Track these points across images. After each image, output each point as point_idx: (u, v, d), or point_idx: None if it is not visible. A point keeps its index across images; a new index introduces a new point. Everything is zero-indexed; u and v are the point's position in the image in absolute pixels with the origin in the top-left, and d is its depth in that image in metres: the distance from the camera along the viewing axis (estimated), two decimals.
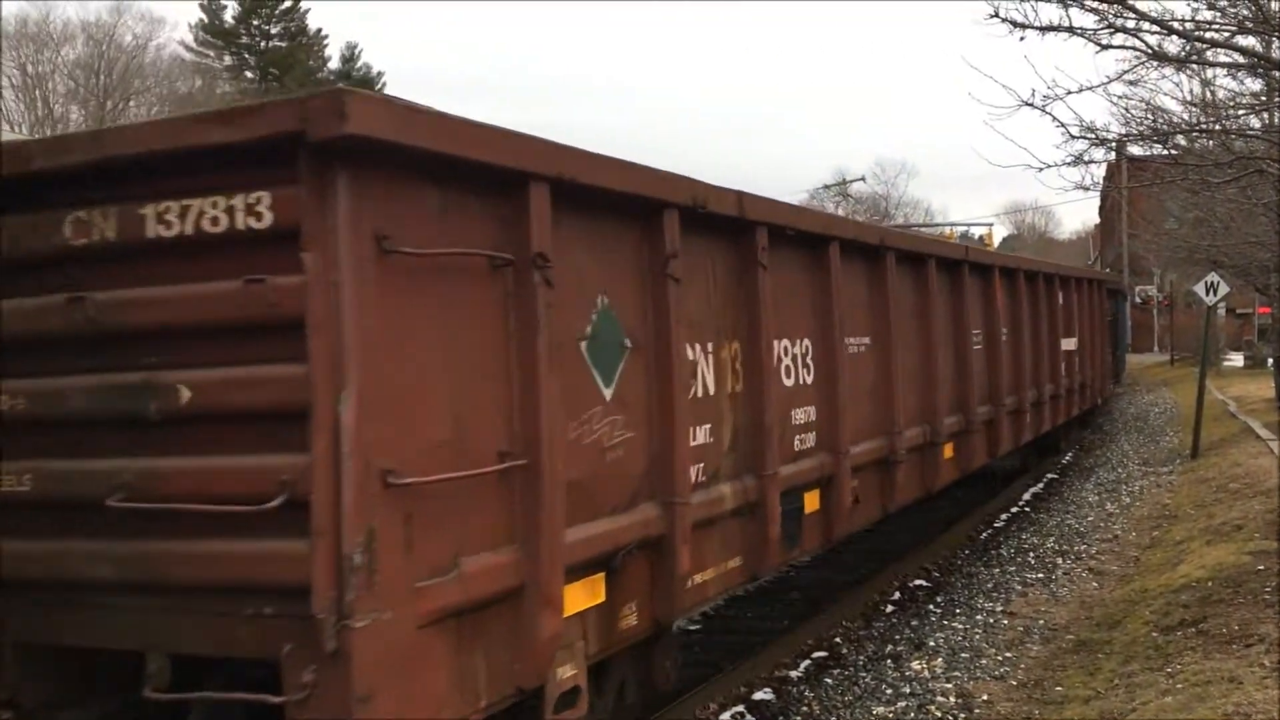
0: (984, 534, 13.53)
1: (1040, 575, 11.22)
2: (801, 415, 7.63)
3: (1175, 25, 8.70)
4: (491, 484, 4.66)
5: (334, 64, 68.33)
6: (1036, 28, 8.49)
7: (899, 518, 10.57)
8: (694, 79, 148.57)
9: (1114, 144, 11.19)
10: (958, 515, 13.79)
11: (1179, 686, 6.94)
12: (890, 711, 7.45)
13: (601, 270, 5.44)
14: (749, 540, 6.82)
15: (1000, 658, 8.57)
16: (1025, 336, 13.68)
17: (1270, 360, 30.65)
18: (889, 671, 8.30)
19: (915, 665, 8.39)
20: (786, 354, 7.40)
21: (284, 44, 66.56)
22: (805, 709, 7.59)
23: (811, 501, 7.68)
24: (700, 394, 6.31)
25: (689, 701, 7.50)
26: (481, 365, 4.63)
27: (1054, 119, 9.67)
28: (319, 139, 3.84)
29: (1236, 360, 42.03)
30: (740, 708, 7.54)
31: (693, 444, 6.13)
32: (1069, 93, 9.27)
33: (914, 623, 9.62)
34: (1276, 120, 11.24)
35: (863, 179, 78.09)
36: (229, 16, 65.82)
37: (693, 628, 9.70)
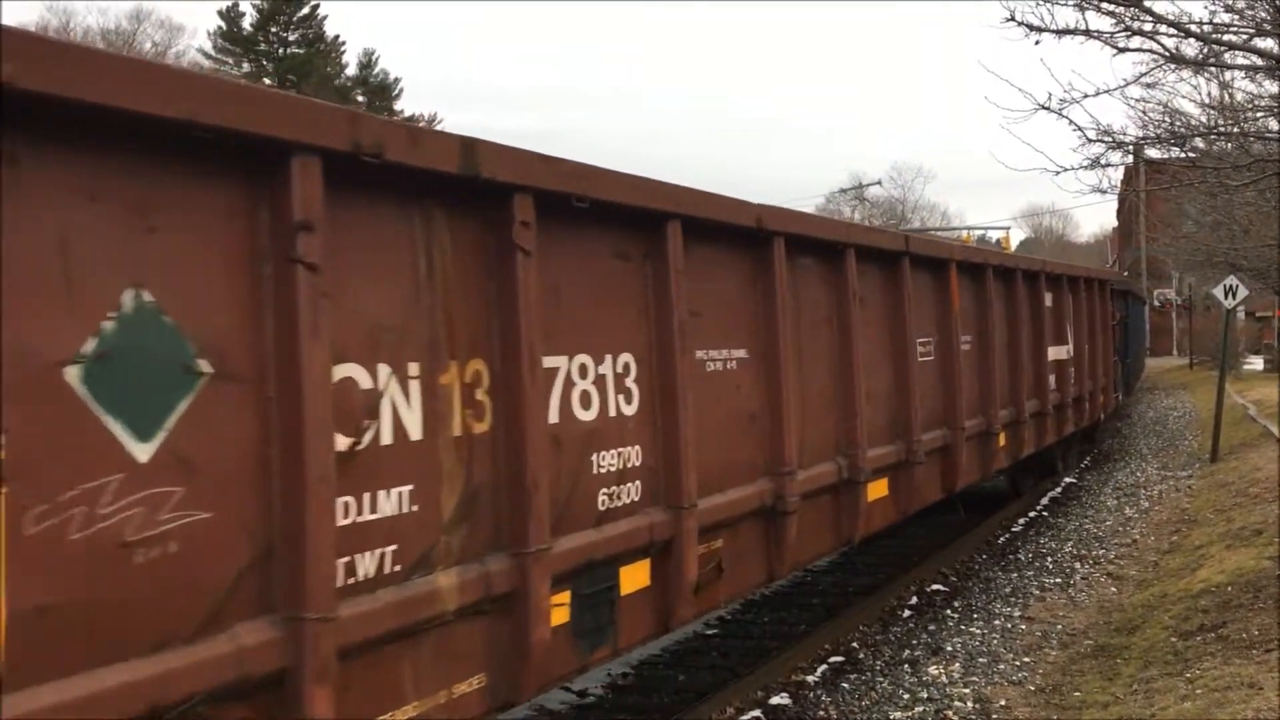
0: (1001, 539, 13.48)
1: (1058, 580, 11.18)
2: (614, 460, 5.55)
3: (1193, 28, 8.68)
4: None
5: (351, 70, 68.63)
6: (1053, 31, 8.48)
7: (914, 520, 10.54)
8: (708, 84, 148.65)
9: (1131, 147, 11.16)
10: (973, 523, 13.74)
11: (1198, 692, 6.91)
12: (907, 716, 7.44)
13: (135, 248, 3.38)
14: (497, 650, 4.71)
15: (1018, 663, 8.54)
16: (997, 344, 11.69)
17: None
18: (906, 676, 8.28)
19: (932, 670, 8.37)
20: (585, 375, 5.37)
21: (302, 50, 66.87)
22: (822, 714, 7.59)
23: (635, 578, 5.69)
24: (385, 440, 4.22)
25: (705, 706, 7.50)
26: None
27: (1071, 122, 9.66)
28: None
29: (1256, 364, 41.78)
30: (756, 712, 7.54)
31: (357, 519, 4.07)
32: (1086, 96, 9.26)
33: (931, 627, 9.60)
34: None
35: (879, 183, 78.05)
36: (247, 24, 66.19)
37: (709, 632, 9.70)
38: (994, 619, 9.80)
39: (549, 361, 5.07)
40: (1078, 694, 7.71)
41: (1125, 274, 45.59)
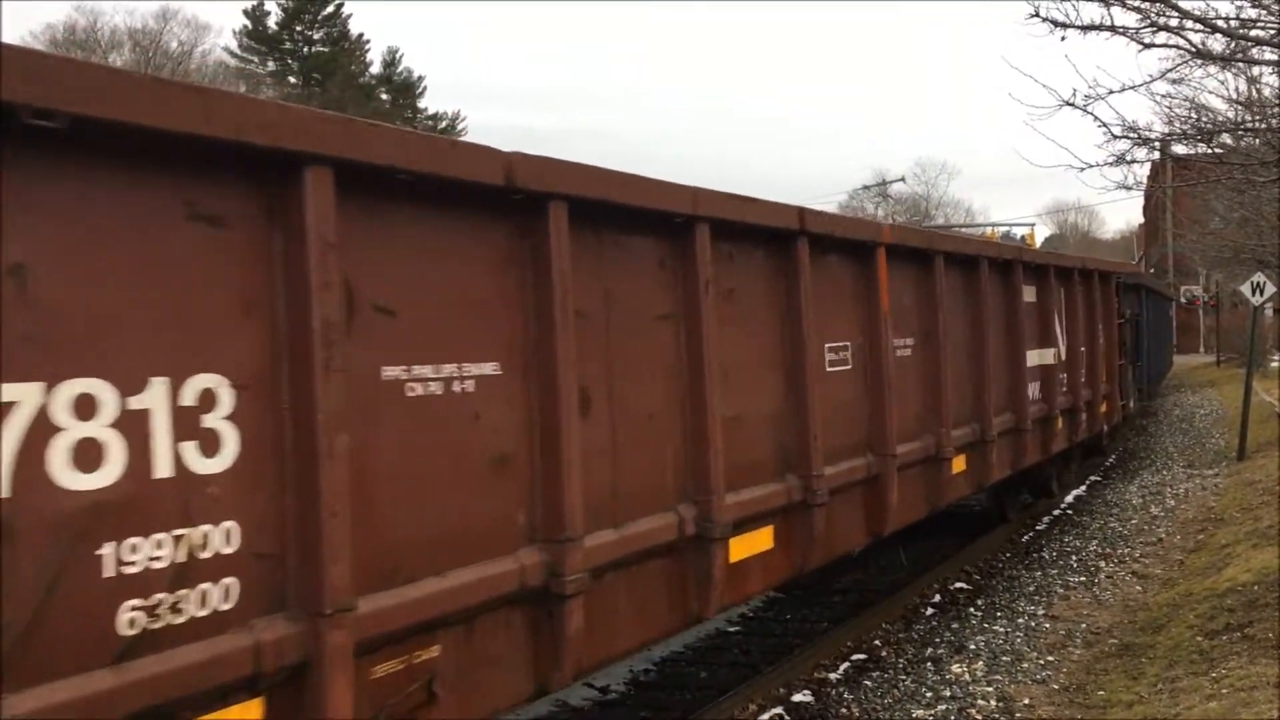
0: (1025, 537, 13.43)
1: (1083, 578, 11.13)
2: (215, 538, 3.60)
3: (1219, 23, 8.62)
4: None
5: (376, 69, 68.89)
6: (1078, 27, 8.44)
7: (936, 519, 10.51)
8: (715, 84, 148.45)
9: (1157, 143, 11.10)
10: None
11: (1223, 691, 6.87)
12: (930, 715, 7.43)
13: None
14: None
15: (1042, 661, 8.51)
16: (951, 349, 9.47)
17: None
18: (929, 674, 8.27)
19: (955, 668, 8.35)
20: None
21: (326, 49, 67.18)
22: (844, 711, 7.58)
23: None
24: None
25: (727, 703, 7.52)
26: None
27: (1096, 119, 9.61)
28: None
29: None
30: (779, 709, 7.55)
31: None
32: (1111, 92, 9.22)
33: (954, 625, 9.58)
34: None
35: (902, 180, 77.73)
36: (272, 22, 66.54)
37: (731, 629, 9.71)
38: (1018, 617, 9.76)
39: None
40: (1102, 693, 7.68)
41: (1151, 269, 45.18)
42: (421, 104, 68.75)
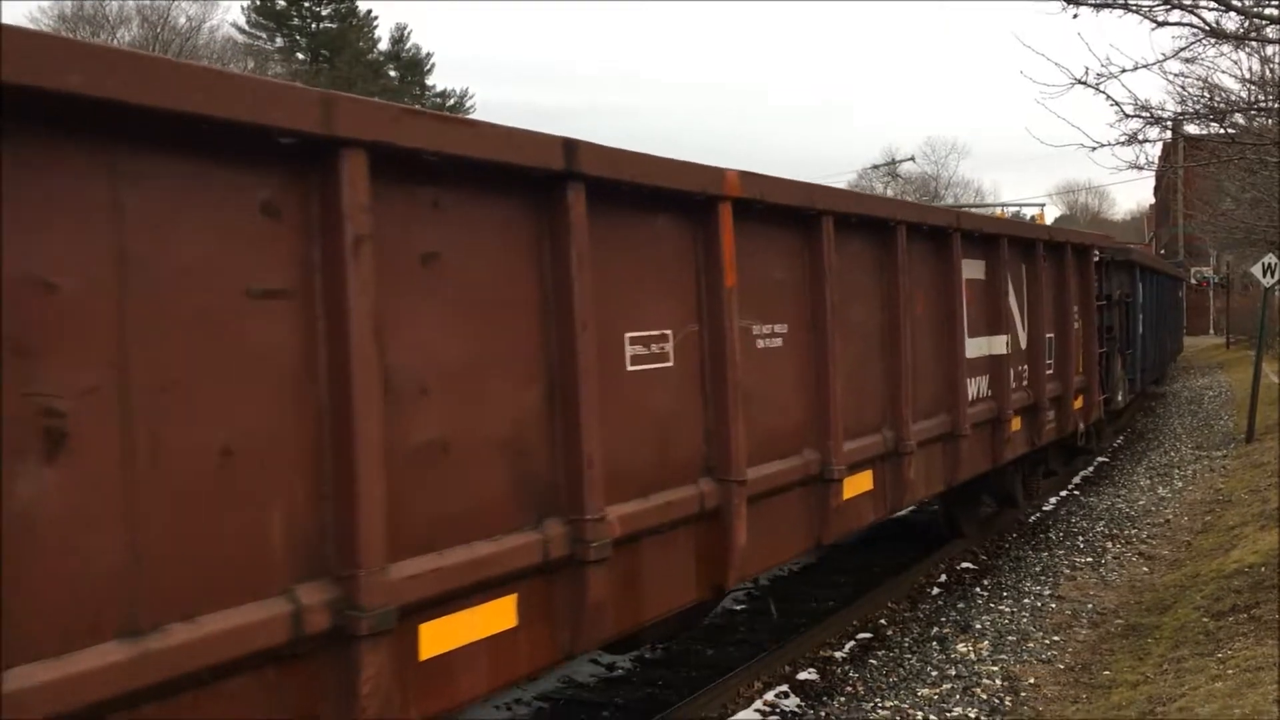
0: (1033, 517, 13.43)
1: (1089, 559, 11.13)
2: None
3: (1233, 1, 8.55)
4: None
5: (384, 45, 68.72)
6: (1090, 4, 8.40)
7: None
8: (743, 62, 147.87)
9: (1169, 123, 11.03)
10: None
11: (1229, 672, 6.87)
12: (935, 693, 7.44)
13: None
14: None
15: (1047, 641, 8.52)
16: (843, 338, 7.26)
17: None
18: (934, 653, 8.28)
19: (961, 648, 8.37)
20: None
21: (334, 25, 67.00)
22: (849, 689, 7.60)
23: None
24: None
25: (733, 680, 7.54)
26: None
27: (1108, 97, 9.60)
28: None
29: None
30: (784, 687, 7.57)
31: None
32: (1123, 71, 9.20)
33: (960, 605, 9.59)
34: None
35: (912, 159, 77.49)
36: None
37: (737, 607, 9.73)
38: (1024, 597, 9.77)
39: None
40: (1107, 673, 7.69)
41: (1162, 251, 44.97)
42: (430, 81, 68.60)
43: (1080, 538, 12.14)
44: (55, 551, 3.12)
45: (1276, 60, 11.81)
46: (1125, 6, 8.42)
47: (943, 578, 10.52)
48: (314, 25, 66.95)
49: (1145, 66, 9.34)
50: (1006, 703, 7.27)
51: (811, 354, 7.02)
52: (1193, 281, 52.72)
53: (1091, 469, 17.01)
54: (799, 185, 6.98)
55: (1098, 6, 8.38)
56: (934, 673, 7.86)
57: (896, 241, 8.05)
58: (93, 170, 3.25)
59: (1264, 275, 19.52)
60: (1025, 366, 10.94)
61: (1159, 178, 46.56)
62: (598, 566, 4.94)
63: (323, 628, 3.76)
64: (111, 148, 3.28)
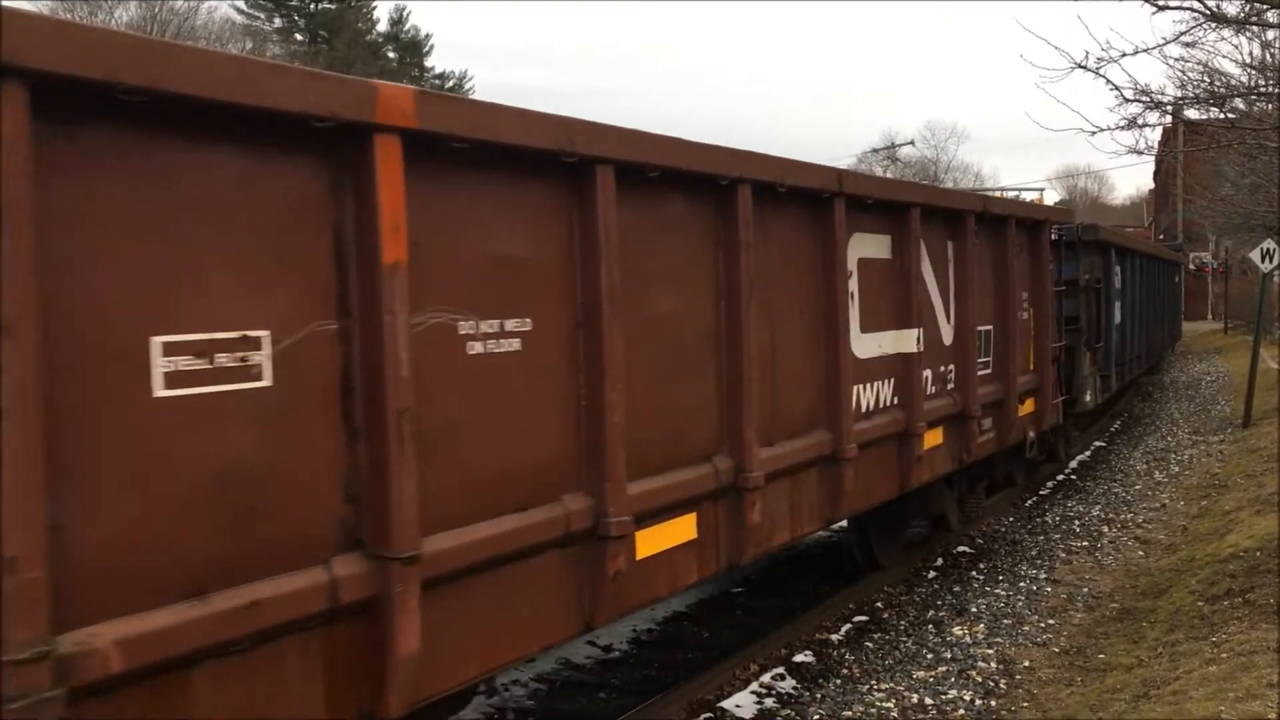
0: (1029, 501, 13.46)
1: (1085, 543, 11.16)
2: None
3: None
4: None
5: (382, 26, 68.45)
6: None
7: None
8: (744, 46, 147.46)
9: (1169, 107, 11.01)
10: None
11: (1223, 656, 6.91)
12: (930, 675, 7.48)
13: None
14: None
15: (1043, 624, 8.56)
16: (620, 334, 5.24)
17: None
18: (930, 636, 8.32)
19: (957, 631, 8.40)
20: None
21: (333, 6, 66.69)
22: (845, 671, 7.64)
23: None
24: None
25: (730, 663, 7.57)
26: None
27: (1108, 81, 9.56)
28: None
29: None
30: (780, 669, 7.60)
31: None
32: (1124, 55, 9.17)
33: (956, 589, 9.62)
34: None
35: (911, 143, 77.33)
36: None
37: (735, 589, 9.76)
38: (1020, 581, 9.81)
39: None
40: (1102, 656, 7.72)
41: (1161, 235, 44.93)
42: (429, 63, 68.36)
43: (1076, 522, 12.17)
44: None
45: (1277, 45, 11.80)
46: None
47: (939, 561, 10.55)
48: (312, 6, 66.63)
49: (1145, 51, 9.32)
50: (1001, 685, 7.31)
51: (577, 361, 5.07)
52: (1191, 267, 52.71)
53: (1089, 453, 17.03)
54: (543, 118, 4.73)
55: None
56: (929, 655, 7.89)
57: (737, 208, 6.01)
58: None
59: (1262, 260, 19.52)
60: (950, 367, 9.06)
61: (1158, 162, 46.52)
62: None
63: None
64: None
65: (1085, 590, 9.49)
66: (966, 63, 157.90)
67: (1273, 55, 11.96)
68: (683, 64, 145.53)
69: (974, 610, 8.93)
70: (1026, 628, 8.47)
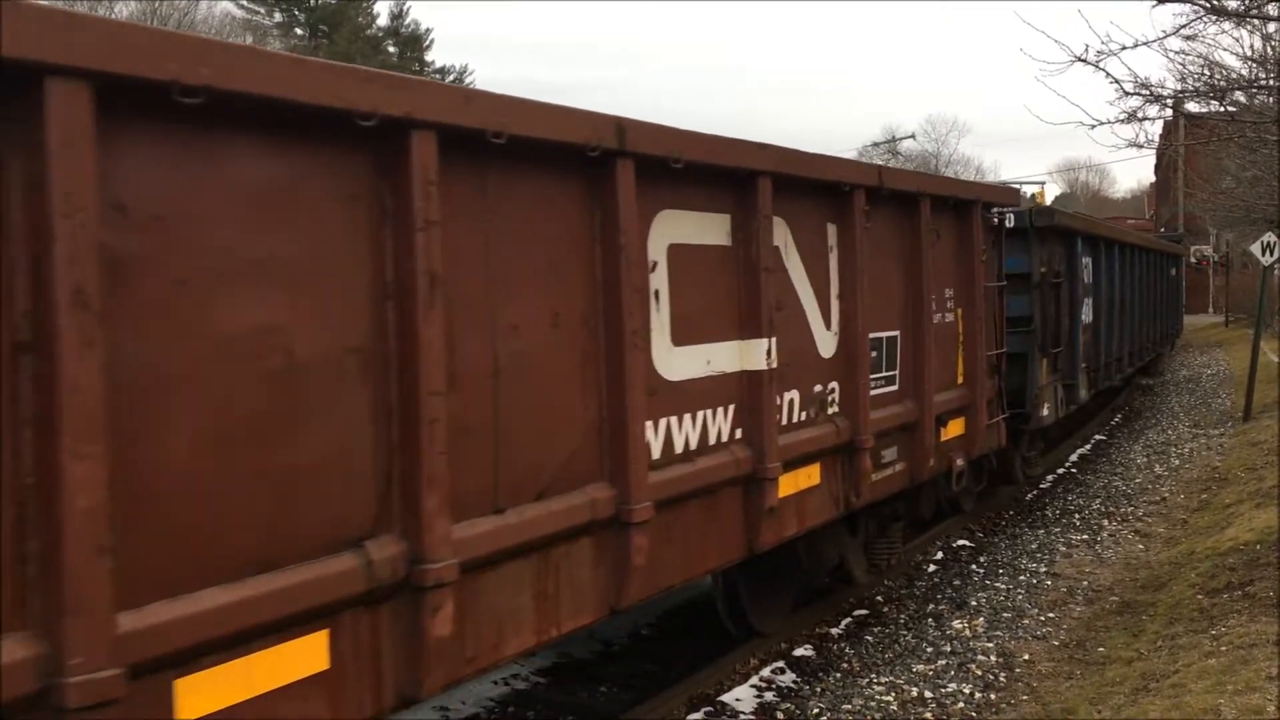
0: (1029, 495, 13.47)
1: (1085, 537, 11.17)
2: None
3: None
4: None
5: (383, 20, 68.39)
6: None
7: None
8: (744, 38, 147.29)
9: (1169, 101, 10.99)
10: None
11: (1223, 649, 6.92)
12: (930, 669, 7.49)
13: None
14: None
15: (1043, 618, 8.56)
16: (234, 367, 3.62)
17: None
18: (930, 630, 8.33)
19: (957, 624, 8.41)
20: None
21: (333, 1, 66.60)
22: (845, 665, 7.65)
23: None
24: None
25: (730, 657, 7.58)
26: None
27: (1107, 75, 9.54)
28: None
29: None
30: (780, 663, 7.61)
31: None
32: (1123, 48, 9.15)
33: (956, 582, 9.63)
34: None
35: (912, 136, 77.27)
36: None
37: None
38: (1019, 575, 9.81)
39: None
40: (1102, 649, 7.73)
41: (1162, 229, 44.88)
42: (429, 57, 68.30)
43: (1077, 515, 12.18)
44: None
45: (1277, 38, 11.77)
46: None
47: (939, 555, 10.56)
48: (313, 0, 66.58)
49: (1146, 44, 9.31)
50: (1001, 679, 7.32)
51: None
52: (1192, 260, 52.68)
53: (1089, 447, 17.04)
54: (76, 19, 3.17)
55: None
56: (929, 649, 7.90)
57: (412, 174, 4.09)
58: None
59: (1263, 254, 19.50)
60: (832, 386, 7.14)
61: (1159, 156, 46.47)
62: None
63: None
64: None
65: (1085, 584, 9.50)
66: (968, 56, 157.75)
67: (1273, 48, 11.94)
68: (678, 59, 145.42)
69: (974, 604, 8.94)
70: (1026, 621, 8.48)
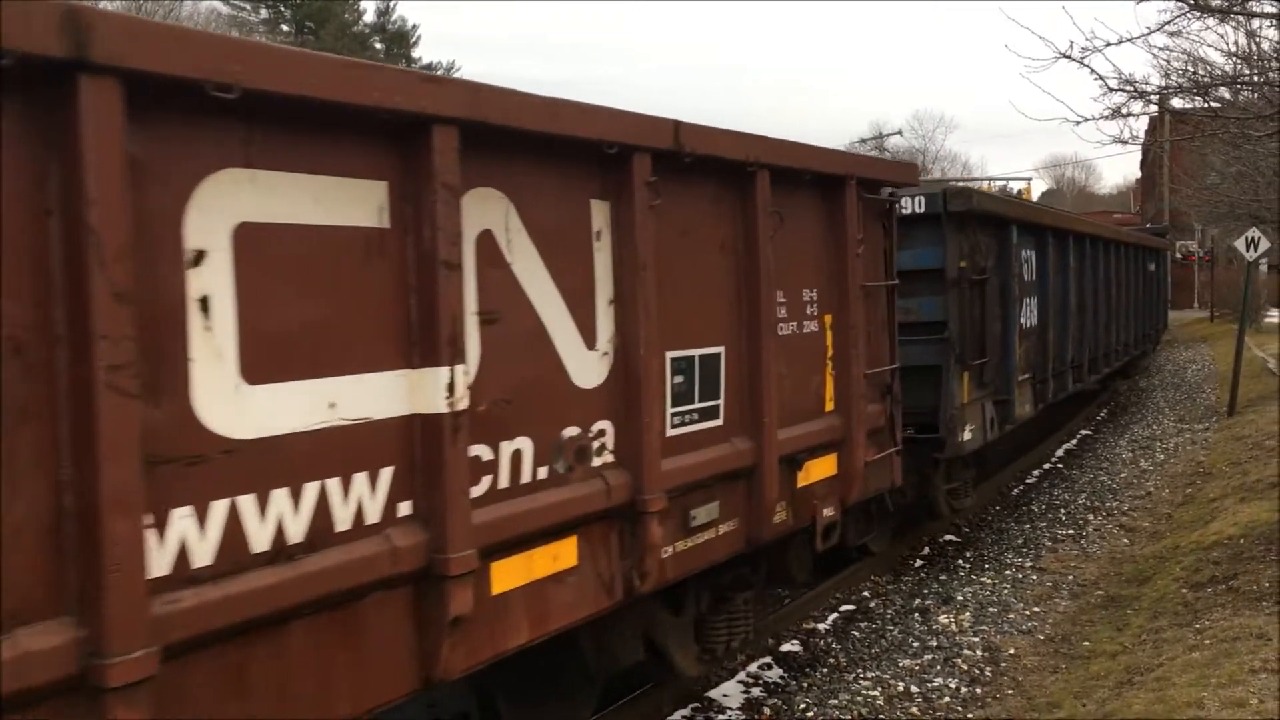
0: (1015, 490, 13.51)
1: (1071, 531, 11.22)
2: None
3: None
4: None
5: (369, 17, 68.22)
6: None
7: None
8: (732, 35, 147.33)
9: (1154, 97, 11.03)
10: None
11: (1207, 642, 6.95)
12: (917, 664, 7.51)
13: None
14: None
15: (1028, 612, 8.60)
16: None
17: None
18: (916, 625, 8.35)
19: (943, 619, 8.44)
20: None
21: None
22: (832, 660, 7.67)
23: None
24: None
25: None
26: None
27: (1092, 71, 9.54)
28: None
29: (1277, 317, 41.46)
30: (767, 659, 7.63)
31: None
32: (1108, 44, 9.15)
33: (943, 577, 9.66)
34: None
35: (899, 133, 77.30)
36: None
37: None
38: (1005, 569, 9.85)
39: None
40: (1087, 643, 7.77)
41: (1148, 225, 45.08)
42: (416, 53, 68.15)
43: (1062, 510, 12.23)
44: None
45: (1261, 34, 11.82)
46: None
47: (926, 550, 10.59)
48: None
49: (1130, 40, 9.32)
50: (987, 673, 7.35)
51: None
52: (1178, 256, 52.89)
53: (1075, 441, 17.10)
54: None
55: None
56: (916, 644, 7.93)
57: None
58: None
59: (1247, 249, 19.59)
60: (602, 426, 5.09)
61: (1145, 152, 46.64)
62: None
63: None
64: None
65: (1070, 578, 9.54)
66: (956, 54, 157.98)
67: (1257, 44, 11.99)
68: (666, 57, 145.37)
69: (960, 599, 8.97)
70: (1012, 616, 8.51)
